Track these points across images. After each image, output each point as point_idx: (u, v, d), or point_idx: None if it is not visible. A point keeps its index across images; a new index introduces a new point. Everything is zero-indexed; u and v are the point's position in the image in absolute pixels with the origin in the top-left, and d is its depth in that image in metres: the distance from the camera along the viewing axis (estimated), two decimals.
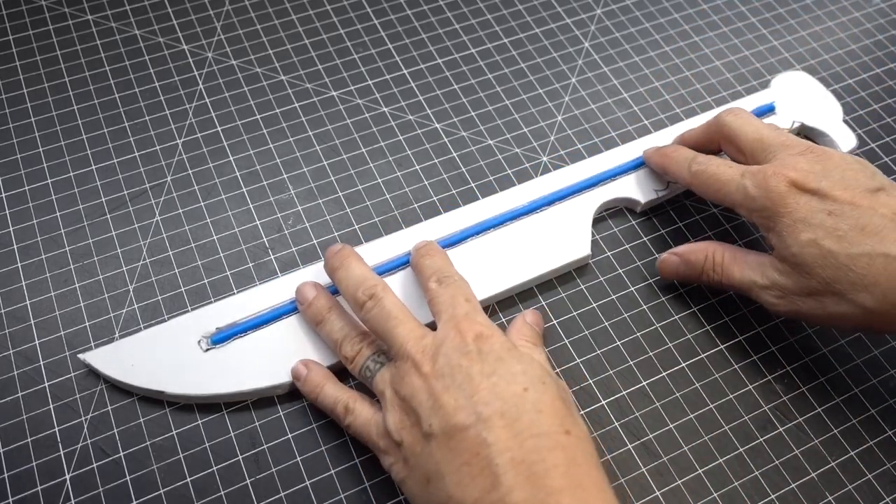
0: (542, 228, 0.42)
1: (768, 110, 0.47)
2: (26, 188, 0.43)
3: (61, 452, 0.35)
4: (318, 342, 0.38)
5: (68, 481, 0.35)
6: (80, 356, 0.37)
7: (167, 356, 0.37)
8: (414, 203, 0.44)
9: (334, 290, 0.39)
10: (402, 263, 0.40)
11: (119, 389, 0.37)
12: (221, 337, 0.37)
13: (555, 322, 0.40)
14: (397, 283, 0.39)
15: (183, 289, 0.40)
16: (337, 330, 0.36)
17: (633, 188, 0.44)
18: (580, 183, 0.43)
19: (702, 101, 0.49)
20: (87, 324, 0.39)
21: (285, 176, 0.44)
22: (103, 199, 0.43)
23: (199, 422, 0.36)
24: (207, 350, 0.37)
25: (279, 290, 0.39)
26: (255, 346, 0.37)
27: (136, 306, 0.40)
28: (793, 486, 0.36)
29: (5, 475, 0.35)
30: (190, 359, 0.37)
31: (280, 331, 0.38)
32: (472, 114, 0.48)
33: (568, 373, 0.39)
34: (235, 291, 0.40)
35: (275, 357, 0.37)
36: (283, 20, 0.51)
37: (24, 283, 0.40)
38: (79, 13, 0.51)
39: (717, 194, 0.38)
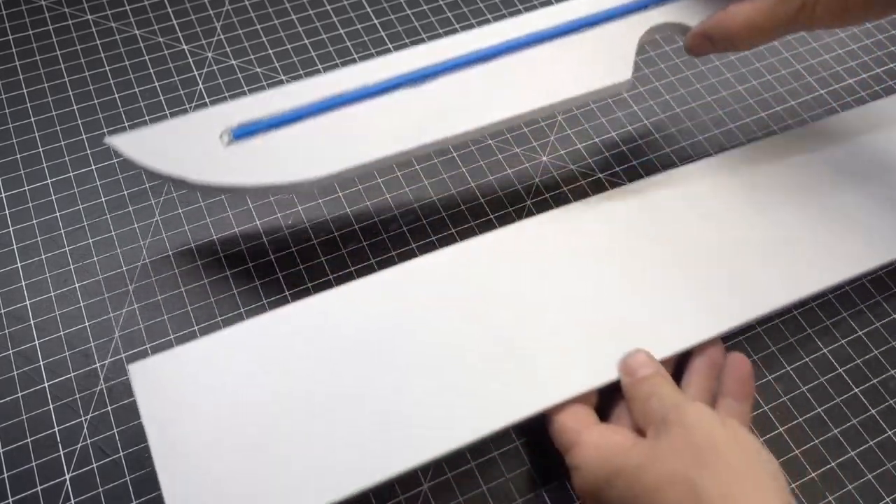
0: (581, 49, 0.39)
1: None
2: (26, 188, 0.43)
3: (61, 452, 0.35)
4: (336, 144, 0.36)
5: (68, 481, 0.35)
6: (106, 140, 0.37)
7: (191, 146, 0.36)
8: (414, 203, 0.44)
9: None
10: (396, 85, 0.38)
11: (119, 389, 0.37)
12: (243, 132, 0.37)
13: None
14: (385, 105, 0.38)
15: (183, 289, 0.40)
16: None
17: (685, 13, 0.41)
18: (626, 5, 0.40)
19: (702, 101, 0.49)
20: (87, 324, 0.39)
21: None
22: (103, 199, 0.43)
23: None
24: (230, 144, 0.36)
25: (304, 91, 0.38)
26: (278, 143, 0.36)
27: (136, 306, 0.40)
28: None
29: (5, 475, 0.35)
30: (213, 150, 0.36)
31: (304, 130, 0.37)
32: None
33: None
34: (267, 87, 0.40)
35: (297, 155, 0.36)
36: (283, 20, 0.51)
37: (23, 283, 0.40)
38: (78, 13, 0.51)
39: None
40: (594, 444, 0.32)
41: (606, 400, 0.35)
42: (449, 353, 0.34)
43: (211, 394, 0.33)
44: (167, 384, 0.33)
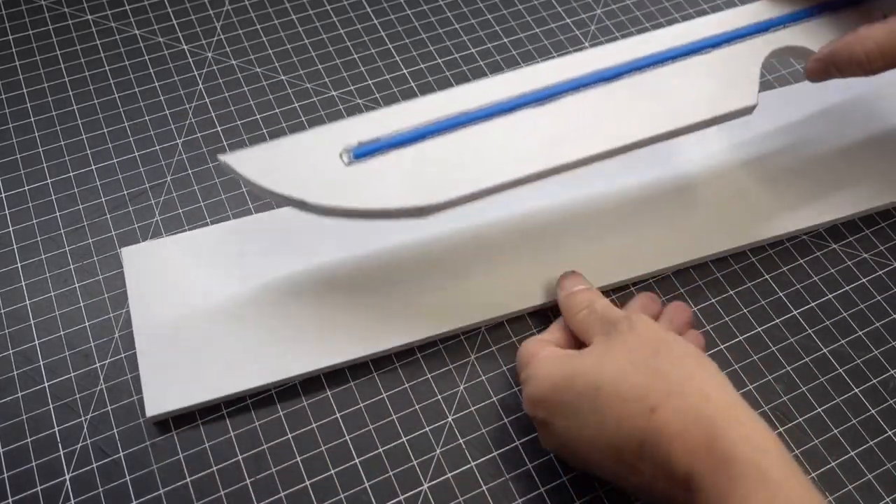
0: (704, 72, 0.39)
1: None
2: (26, 188, 0.43)
3: (61, 452, 0.35)
4: (462, 166, 0.35)
5: (68, 481, 0.35)
6: (220, 156, 0.35)
7: (309, 166, 0.35)
8: None
9: None
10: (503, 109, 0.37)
11: (119, 389, 0.37)
12: (364, 151, 0.35)
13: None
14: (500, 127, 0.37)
15: None
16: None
17: (808, 36, 0.40)
18: (749, 27, 0.40)
19: None
20: (87, 324, 0.39)
21: None
22: (103, 199, 0.43)
23: (199, 422, 0.36)
24: (350, 164, 0.35)
25: (424, 109, 0.37)
26: (401, 164, 0.35)
27: None
28: None
29: (5, 475, 0.35)
30: (333, 170, 0.35)
31: (427, 149, 0.36)
32: None
33: None
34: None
35: (422, 177, 0.35)
36: (283, 20, 0.51)
37: (23, 283, 0.40)
38: (78, 13, 0.51)
39: None
40: (548, 355, 0.34)
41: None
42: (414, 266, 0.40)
43: (191, 277, 0.39)
44: (153, 267, 0.39)
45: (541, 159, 0.36)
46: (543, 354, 0.34)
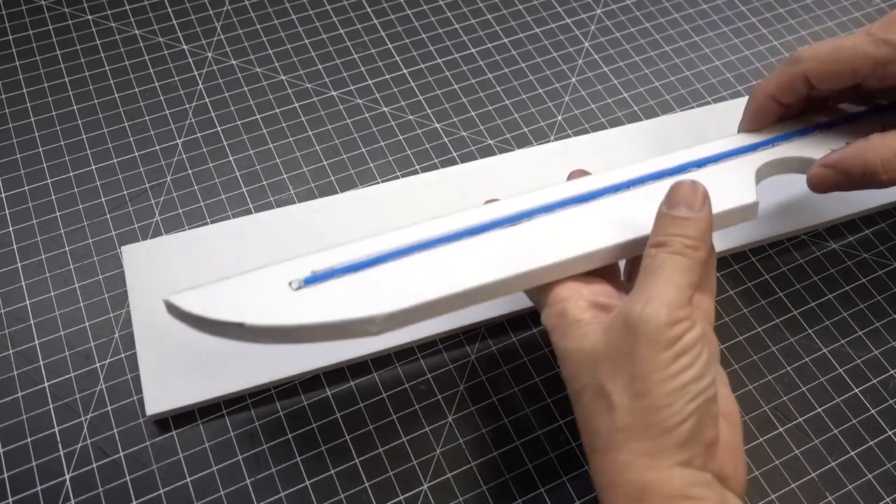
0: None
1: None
2: (26, 188, 0.43)
3: (61, 452, 0.35)
4: (421, 280, 0.34)
5: (68, 481, 0.35)
6: (164, 298, 0.33)
7: (253, 294, 0.34)
8: None
9: None
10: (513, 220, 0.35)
11: (119, 389, 0.37)
12: (316, 278, 0.34)
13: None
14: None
15: None
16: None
17: (802, 148, 0.38)
18: (739, 148, 0.38)
19: (702, 101, 0.49)
20: (87, 324, 0.39)
21: (285, 176, 0.44)
22: (103, 199, 0.43)
23: (199, 422, 0.36)
24: (298, 289, 0.34)
25: (377, 243, 0.35)
26: (349, 286, 0.34)
27: None
28: (793, 486, 0.36)
29: (5, 475, 0.35)
30: (278, 296, 0.34)
31: (380, 272, 0.34)
32: (472, 114, 0.48)
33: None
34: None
35: (371, 291, 0.34)
36: (283, 20, 0.51)
37: (23, 283, 0.40)
38: (78, 13, 0.51)
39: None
40: (569, 322, 0.30)
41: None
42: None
43: (191, 275, 0.39)
44: (153, 266, 0.40)
45: (514, 263, 0.34)
46: (564, 320, 0.31)
